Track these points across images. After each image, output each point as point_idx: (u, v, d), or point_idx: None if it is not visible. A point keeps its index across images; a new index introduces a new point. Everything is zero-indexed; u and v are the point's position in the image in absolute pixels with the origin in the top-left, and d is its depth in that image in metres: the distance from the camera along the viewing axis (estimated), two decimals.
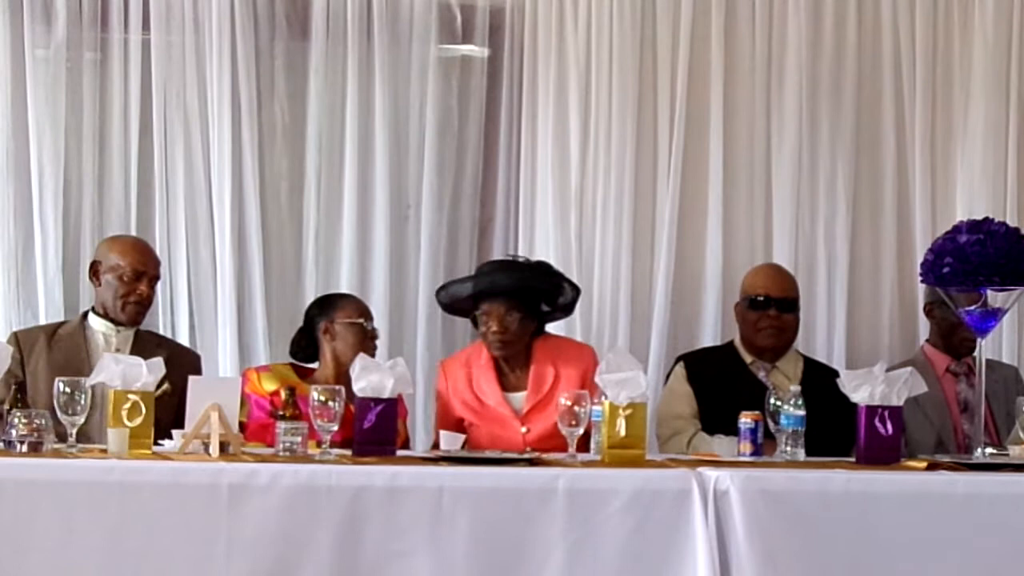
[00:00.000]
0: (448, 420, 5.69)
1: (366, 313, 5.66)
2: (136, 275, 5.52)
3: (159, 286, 6.07)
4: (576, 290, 5.79)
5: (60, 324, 5.66)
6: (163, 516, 4.37)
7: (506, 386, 5.67)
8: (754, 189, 6.42)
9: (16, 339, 5.46)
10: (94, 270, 5.59)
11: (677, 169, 6.33)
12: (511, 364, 5.68)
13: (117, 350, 5.42)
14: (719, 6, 6.36)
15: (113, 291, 5.52)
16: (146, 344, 5.51)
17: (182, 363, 5.38)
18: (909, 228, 6.45)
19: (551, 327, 5.83)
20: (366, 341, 5.58)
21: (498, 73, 6.42)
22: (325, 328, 5.58)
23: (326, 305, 5.68)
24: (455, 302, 5.80)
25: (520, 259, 5.89)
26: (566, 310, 5.83)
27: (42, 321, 6.00)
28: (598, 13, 6.32)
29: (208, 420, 4.62)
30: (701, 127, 6.38)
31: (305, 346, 5.66)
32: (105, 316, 5.54)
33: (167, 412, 4.93)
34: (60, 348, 5.48)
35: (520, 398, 5.64)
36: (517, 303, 5.61)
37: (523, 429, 5.57)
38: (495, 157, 6.42)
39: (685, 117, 6.35)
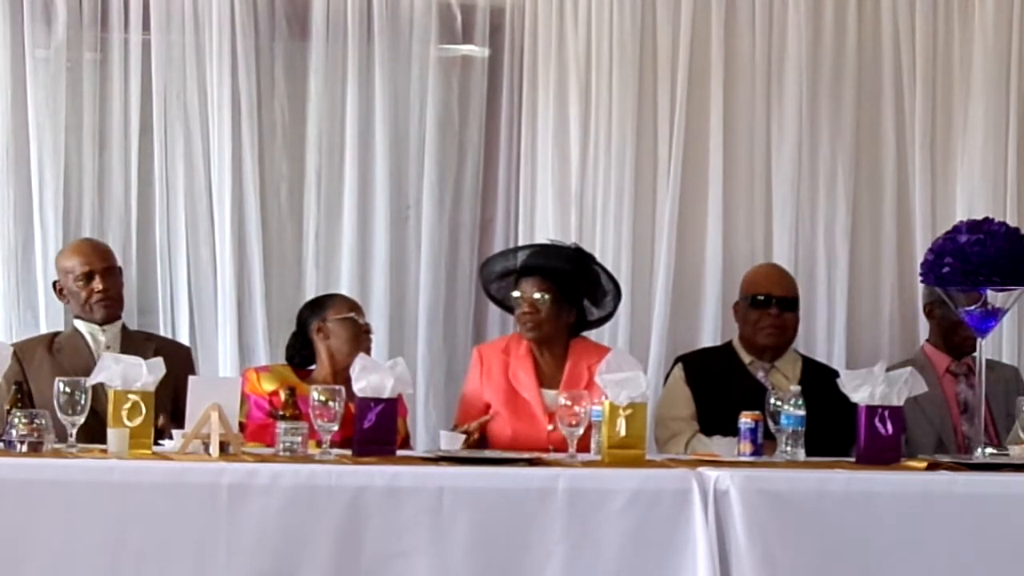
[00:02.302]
0: (474, 406, 5.69)
1: (356, 308, 5.67)
2: (86, 276, 5.54)
3: (159, 285, 6.12)
4: (615, 285, 5.81)
5: (55, 334, 5.67)
6: (163, 516, 4.37)
7: (542, 381, 5.68)
8: (754, 189, 6.42)
9: (14, 351, 5.41)
10: (57, 289, 5.62)
11: (677, 169, 6.33)
12: (546, 356, 5.69)
13: (108, 348, 5.43)
14: (719, 6, 6.37)
15: (77, 298, 5.56)
16: (134, 340, 5.52)
17: (171, 357, 5.37)
18: (909, 228, 6.45)
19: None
20: (360, 335, 5.58)
21: (498, 73, 6.41)
22: (318, 328, 5.59)
23: (316, 306, 5.69)
24: (494, 288, 5.84)
25: (558, 243, 5.91)
26: (609, 316, 5.86)
27: (42, 321, 6.01)
28: (598, 13, 6.32)
29: (208, 420, 4.62)
30: (701, 127, 6.38)
31: (300, 349, 5.66)
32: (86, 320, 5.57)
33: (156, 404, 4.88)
34: (64, 355, 5.48)
35: (552, 395, 5.62)
36: (551, 286, 5.63)
37: (550, 427, 5.55)
38: (495, 157, 6.42)
39: (685, 117, 6.35)
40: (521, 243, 6.23)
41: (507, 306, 5.87)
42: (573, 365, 5.66)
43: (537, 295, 5.64)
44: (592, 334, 6.09)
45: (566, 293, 5.68)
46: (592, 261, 5.83)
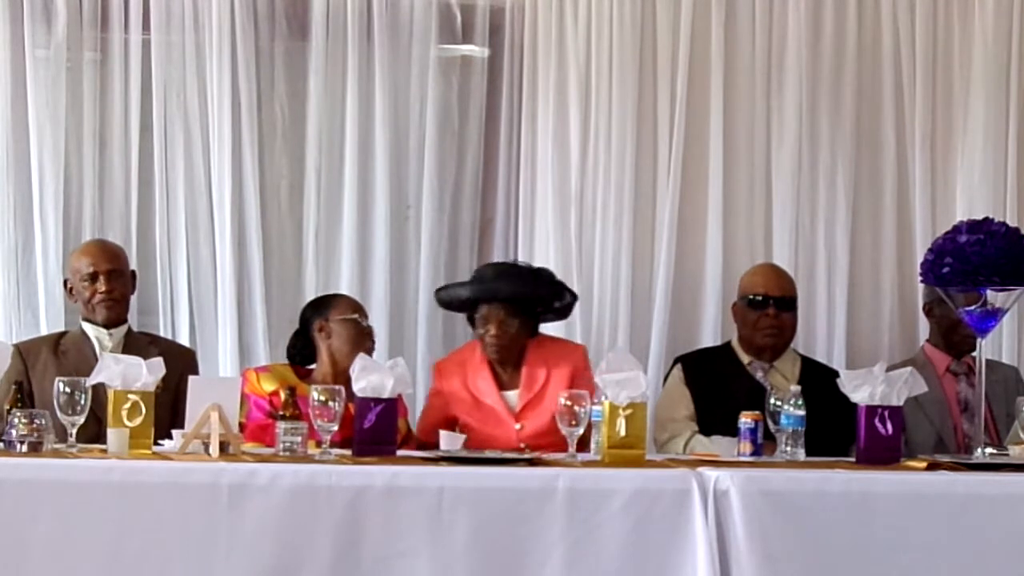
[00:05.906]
0: (438, 418, 5.70)
1: (360, 310, 5.68)
2: (91, 276, 5.55)
3: (159, 285, 6.12)
4: (574, 296, 5.82)
5: (61, 334, 5.68)
6: (163, 516, 4.36)
7: (501, 384, 5.71)
8: (754, 189, 6.42)
9: (18, 351, 5.43)
10: (68, 288, 5.63)
11: (677, 169, 6.33)
12: (504, 363, 5.72)
13: (112, 351, 5.43)
14: (719, 6, 6.37)
15: (83, 298, 5.56)
16: (138, 343, 5.52)
17: (175, 360, 5.37)
18: (909, 228, 6.45)
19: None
20: (362, 337, 5.58)
21: (498, 73, 6.42)
22: (320, 327, 5.59)
23: (320, 305, 5.69)
24: (453, 302, 5.82)
25: (522, 264, 5.91)
26: (562, 313, 5.85)
27: (42, 321, 6.01)
28: (598, 13, 6.32)
29: (208, 420, 4.62)
30: (701, 127, 6.38)
31: (301, 348, 5.66)
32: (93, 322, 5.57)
33: (159, 409, 4.89)
34: (69, 357, 5.48)
35: (514, 396, 5.68)
36: (517, 309, 5.65)
37: (517, 426, 5.60)
38: (495, 157, 6.43)
39: (685, 117, 6.35)
40: (520, 243, 6.27)
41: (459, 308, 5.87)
42: (530, 367, 5.68)
43: (504, 320, 5.64)
44: (592, 337, 6.12)
45: (529, 313, 5.70)
46: (558, 285, 5.79)
